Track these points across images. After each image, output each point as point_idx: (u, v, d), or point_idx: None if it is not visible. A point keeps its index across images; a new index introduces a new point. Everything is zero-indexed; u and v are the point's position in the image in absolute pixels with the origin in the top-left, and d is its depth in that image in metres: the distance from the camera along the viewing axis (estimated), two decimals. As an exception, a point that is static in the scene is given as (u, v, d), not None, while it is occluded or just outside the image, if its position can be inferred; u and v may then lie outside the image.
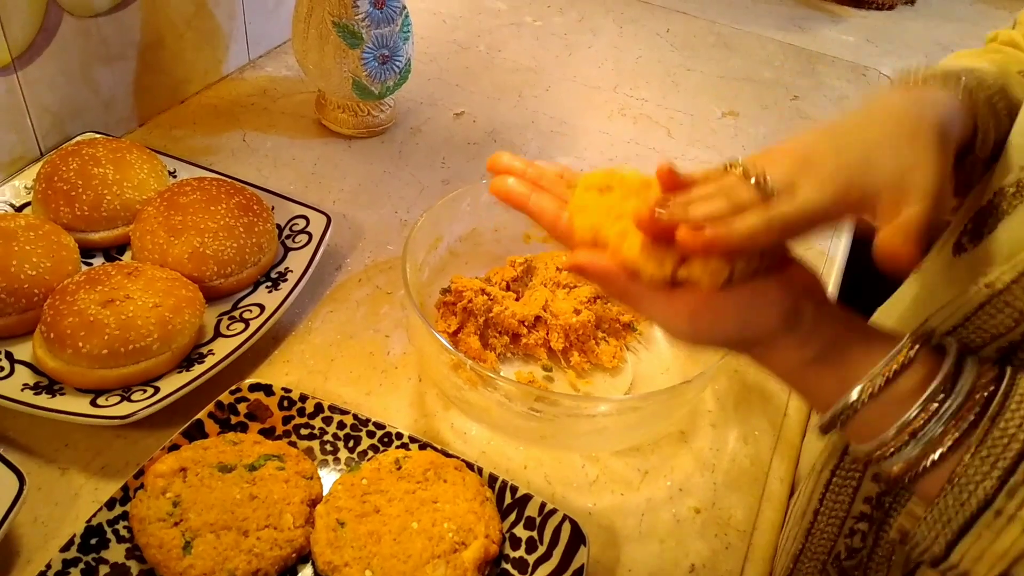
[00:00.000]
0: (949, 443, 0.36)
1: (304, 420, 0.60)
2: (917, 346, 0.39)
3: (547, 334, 0.69)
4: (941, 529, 0.36)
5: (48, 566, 0.49)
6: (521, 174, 0.48)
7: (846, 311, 0.42)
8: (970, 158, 0.48)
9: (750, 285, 0.40)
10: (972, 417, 0.36)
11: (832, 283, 0.86)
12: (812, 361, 0.40)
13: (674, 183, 0.43)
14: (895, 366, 0.38)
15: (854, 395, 0.39)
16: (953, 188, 0.45)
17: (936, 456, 0.36)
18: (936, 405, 0.37)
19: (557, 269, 0.73)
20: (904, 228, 0.39)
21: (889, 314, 0.60)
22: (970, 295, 0.41)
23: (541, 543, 0.54)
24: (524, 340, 0.69)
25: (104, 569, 0.51)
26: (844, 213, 0.41)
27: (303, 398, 0.60)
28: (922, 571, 0.49)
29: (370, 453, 0.59)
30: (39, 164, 0.76)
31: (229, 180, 0.76)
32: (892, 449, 0.38)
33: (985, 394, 0.37)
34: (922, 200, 0.40)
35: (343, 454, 0.60)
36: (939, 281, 0.50)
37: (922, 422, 0.37)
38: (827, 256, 0.89)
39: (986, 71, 0.51)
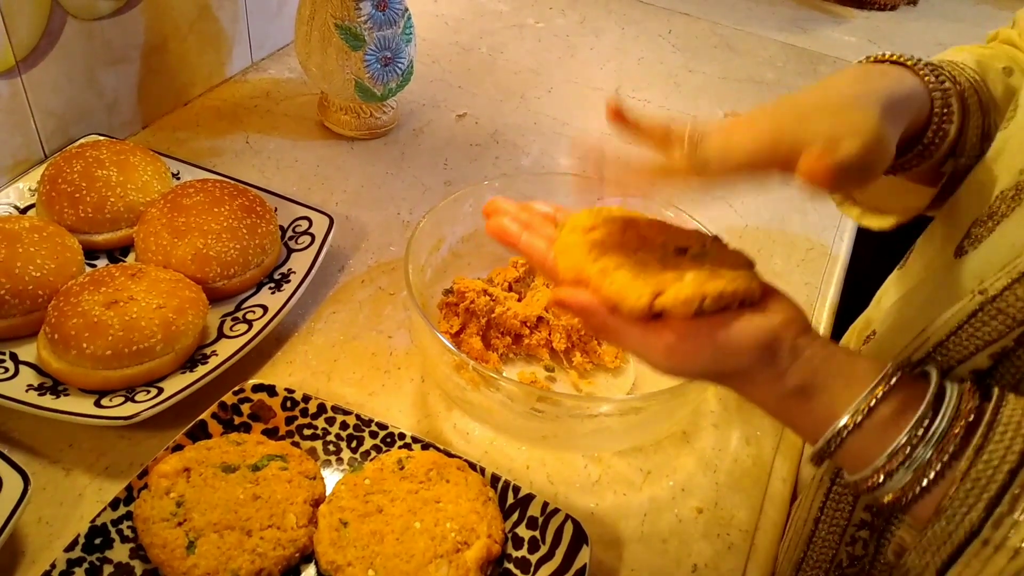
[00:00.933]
0: (937, 468, 0.37)
1: (307, 420, 0.61)
2: (897, 376, 0.40)
3: (549, 334, 0.69)
4: (931, 558, 0.37)
5: (52, 566, 0.49)
6: (514, 217, 0.50)
7: (828, 341, 0.42)
8: (931, 145, 0.49)
9: (724, 321, 0.41)
10: (958, 442, 0.37)
11: (835, 281, 0.86)
12: (791, 394, 0.41)
13: (620, 117, 0.46)
14: (874, 399, 0.39)
15: (839, 426, 0.40)
16: (896, 158, 0.46)
17: (925, 483, 0.37)
18: (923, 430, 0.38)
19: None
20: (825, 155, 0.40)
21: (891, 317, 0.60)
22: (964, 303, 0.41)
23: (543, 543, 0.55)
24: (526, 341, 0.70)
25: (108, 569, 0.51)
26: (770, 165, 0.41)
27: (306, 399, 0.61)
28: None
29: (373, 453, 0.60)
30: (43, 166, 0.76)
31: (232, 182, 0.76)
32: (883, 476, 0.38)
33: (970, 419, 0.37)
34: (850, 145, 0.40)
35: (346, 454, 0.60)
36: (940, 284, 0.50)
37: (911, 448, 0.38)
38: (830, 254, 0.89)
39: (966, 64, 0.52)
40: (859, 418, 0.39)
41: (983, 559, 0.35)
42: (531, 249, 0.48)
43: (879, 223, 0.58)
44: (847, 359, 0.42)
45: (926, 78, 0.48)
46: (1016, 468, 0.35)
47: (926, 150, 0.49)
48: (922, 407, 0.38)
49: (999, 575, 0.35)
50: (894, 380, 0.39)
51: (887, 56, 0.50)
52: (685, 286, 0.41)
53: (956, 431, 0.37)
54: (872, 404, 0.39)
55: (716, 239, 0.48)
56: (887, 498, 0.39)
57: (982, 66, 0.53)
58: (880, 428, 0.39)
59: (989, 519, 0.35)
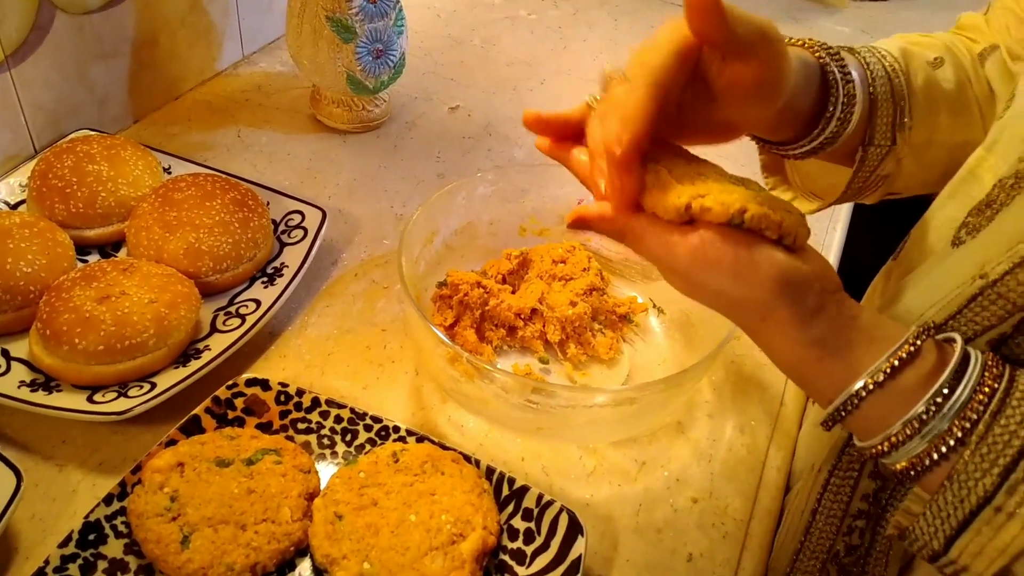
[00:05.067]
0: (955, 439, 0.36)
1: (301, 414, 0.61)
2: (921, 339, 0.38)
3: (543, 326, 0.69)
4: (940, 525, 0.36)
5: (46, 562, 0.49)
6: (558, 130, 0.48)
7: (854, 302, 0.41)
8: (840, 125, 0.50)
9: (753, 242, 0.39)
10: (977, 414, 0.36)
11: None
12: (811, 344, 0.40)
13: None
14: (896, 360, 0.38)
15: (856, 387, 0.38)
16: (804, 137, 0.50)
17: (944, 450, 0.36)
18: (941, 400, 0.37)
19: (553, 262, 0.73)
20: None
21: (886, 307, 0.59)
22: (963, 287, 0.41)
23: (539, 534, 0.55)
24: (520, 333, 0.69)
25: (102, 564, 0.51)
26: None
27: (300, 392, 0.60)
28: (918, 563, 0.49)
29: (367, 446, 0.59)
30: (34, 162, 0.75)
31: (224, 176, 0.76)
32: (897, 444, 0.38)
33: (990, 388, 0.37)
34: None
35: (340, 448, 0.60)
36: (937, 272, 0.50)
37: (927, 417, 0.37)
38: (822, 246, 0.89)
39: (889, 52, 0.53)
40: (880, 377, 0.38)
41: (995, 527, 0.35)
42: (580, 162, 0.46)
43: (808, 206, 0.59)
44: (872, 319, 0.40)
45: (821, 58, 0.49)
46: None
47: (836, 133, 0.50)
48: (944, 375, 0.37)
49: (1011, 543, 0.34)
50: (919, 343, 0.38)
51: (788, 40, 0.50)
52: (729, 194, 0.39)
53: (979, 398, 0.36)
54: (895, 365, 0.38)
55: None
56: (899, 465, 0.38)
57: (906, 55, 0.53)
58: (899, 394, 0.38)
59: (1003, 486, 0.35)
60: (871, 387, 0.38)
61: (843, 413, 0.39)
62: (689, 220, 0.40)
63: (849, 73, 0.49)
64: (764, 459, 0.66)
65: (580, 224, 0.43)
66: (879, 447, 0.38)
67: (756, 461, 0.65)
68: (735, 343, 0.74)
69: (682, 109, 0.44)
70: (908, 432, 0.37)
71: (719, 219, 0.39)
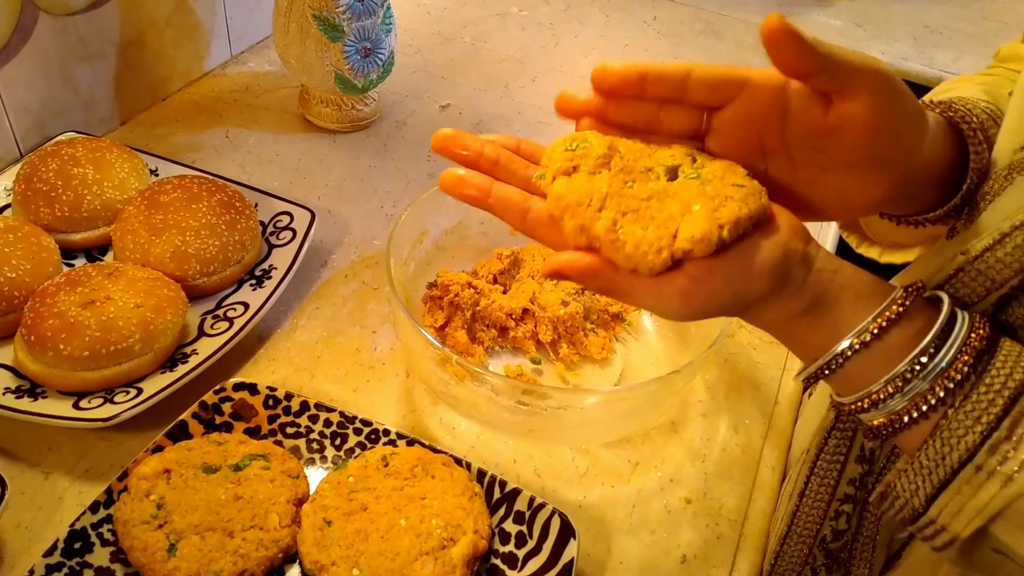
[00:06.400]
0: (936, 398, 0.36)
1: (290, 419, 0.60)
2: (910, 300, 0.38)
3: (535, 326, 0.69)
4: (922, 483, 0.36)
5: (31, 571, 0.48)
6: (476, 157, 0.43)
7: (833, 256, 0.40)
8: (972, 179, 0.46)
9: (738, 255, 0.38)
10: (961, 374, 0.36)
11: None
12: (801, 313, 0.39)
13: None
14: (883, 321, 0.38)
15: (842, 346, 0.38)
16: (940, 199, 0.46)
17: (924, 408, 0.36)
18: (926, 359, 0.37)
19: (544, 261, 0.73)
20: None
21: None
22: (946, 264, 0.41)
23: (531, 537, 0.54)
24: (512, 333, 0.69)
25: (88, 573, 0.50)
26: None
27: (288, 396, 0.60)
28: (908, 552, 0.49)
29: (357, 451, 0.59)
30: (18, 165, 0.75)
31: (210, 177, 0.75)
32: (877, 401, 0.38)
33: (976, 349, 0.36)
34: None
35: (330, 452, 0.59)
36: (930, 262, 0.50)
37: (908, 377, 0.37)
38: (817, 237, 0.88)
39: (977, 97, 0.50)
40: (867, 338, 0.38)
41: (975, 485, 0.35)
42: (505, 205, 0.42)
43: (903, 257, 0.58)
44: (854, 272, 0.40)
45: (943, 112, 0.46)
46: (1016, 395, 0.35)
47: (978, 184, 0.46)
48: (929, 335, 0.37)
49: (989, 502, 0.34)
50: (907, 303, 0.38)
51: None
52: (697, 221, 0.37)
53: (963, 359, 0.36)
54: (882, 325, 0.37)
55: (700, 149, 0.43)
56: (876, 421, 0.38)
57: (992, 95, 0.51)
58: (884, 353, 0.37)
59: (984, 444, 0.35)
60: (857, 347, 0.38)
61: (826, 371, 0.39)
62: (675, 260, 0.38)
63: (969, 120, 0.46)
64: (758, 459, 0.65)
65: (557, 276, 0.41)
66: (859, 403, 0.38)
67: (750, 461, 0.65)
68: (728, 341, 0.74)
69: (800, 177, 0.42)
70: (890, 390, 0.37)
71: (703, 255, 0.38)
